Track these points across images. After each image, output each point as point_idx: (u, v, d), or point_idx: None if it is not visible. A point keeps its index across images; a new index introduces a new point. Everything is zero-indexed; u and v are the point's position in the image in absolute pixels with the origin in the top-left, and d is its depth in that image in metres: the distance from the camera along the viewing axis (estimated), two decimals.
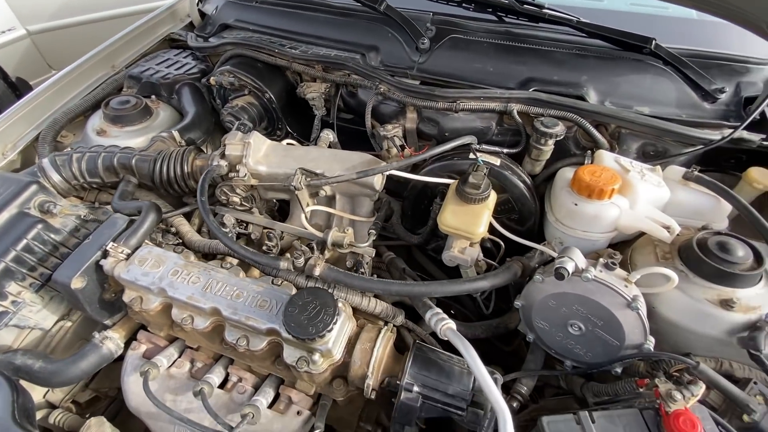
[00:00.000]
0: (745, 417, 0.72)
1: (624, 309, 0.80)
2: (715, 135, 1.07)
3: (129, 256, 0.97)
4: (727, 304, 0.81)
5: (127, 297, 0.95)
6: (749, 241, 0.87)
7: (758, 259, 0.84)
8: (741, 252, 0.84)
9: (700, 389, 0.70)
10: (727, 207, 1.00)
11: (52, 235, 1.07)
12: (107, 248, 0.96)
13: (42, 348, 1.08)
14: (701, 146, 1.08)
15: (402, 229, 1.30)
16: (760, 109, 1.06)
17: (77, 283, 0.94)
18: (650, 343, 0.81)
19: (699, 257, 0.86)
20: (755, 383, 0.76)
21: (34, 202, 1.08)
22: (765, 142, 1.09)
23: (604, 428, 0.68)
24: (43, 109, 1.35)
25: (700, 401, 0.73)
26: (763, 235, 0.89)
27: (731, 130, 1.05)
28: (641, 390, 0.77)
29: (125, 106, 1.32)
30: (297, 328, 0.77)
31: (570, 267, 0.83)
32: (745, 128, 1.13)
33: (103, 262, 0.95)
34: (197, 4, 1.72)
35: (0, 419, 0.74)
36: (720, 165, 1.21)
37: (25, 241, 1.02)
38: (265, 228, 1.19)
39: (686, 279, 0.87)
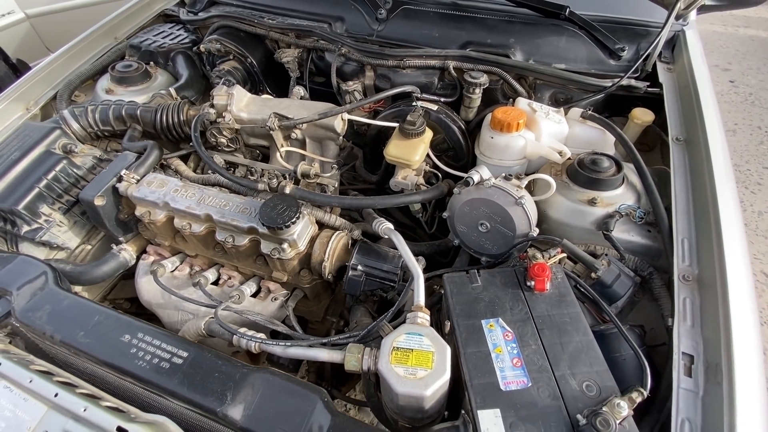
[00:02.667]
0: (593, 274, 0.99)
1: (514, 206, 1.07)
2: (607, 83, 1.33)
3: (138, 181, 1.22)
4: (592, 201, 1.08)
5: (138, 212, 1.21)
6: (615, 158, 1.14)
7: (618, 168, 1.11)
8: (606, 164, 1.11)
9: (556, 252, 0.98)
10: (611, 137, 1.26)
11: (75, 170, 1.32)
12: (122, 174, 1.21)
13: None
14: (596, 92, 1.34)
15: (364, 171, 1.56)
16: (640, 62, 1.32)
17: (99, 201, 1.19)
18: (534, 232, 1.08)
19: (577, 170, 1.13)
20: (606, 254, 1.04)
21: (58, 143, 1.33)
22: (650, 89, 1.35)
23: (486, 279, 0.95)
24: (58, 73, 1.59)
25: (566, 273, 1.00)
26: (627, 153, 1.15)
27: (618, 79, 1.31)
28: (521, 261, 1.04)
29: (129, 69, 1.56)
30: (269, 219, 1.03)
31: (476, 177, 1.09)
32: (642, 79, 1.40)
33: (118, 185, 1.21)
34: None
35: (49, 286, 1.00)
36: (623, 111, 1.47)
37: (53, 173, 1.27)
38: (247, 167, 1.45)
39: (567, 187, 1.14)
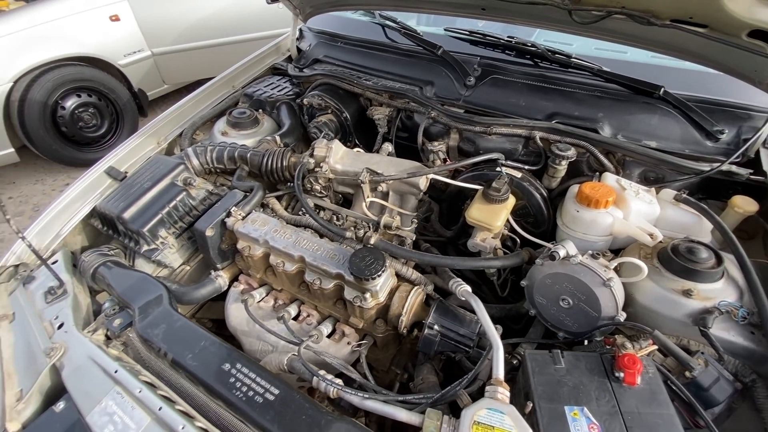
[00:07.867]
0: (687, 373, 0.93)
1: (601, 287, 1.05)
2: (705, 167, 1.29)
3: (244, 217, 1.38)
4: (687, 293, 1.03)
5: (240, 245, 1.35)
6: (715, 249, 1.09)
7: (719, 261, 1.06)
8: (704, 255, 1.07)
9: (648, 343, 0.94)
10: (708, 224, 1.21)
11: (190, 201, 1.52)
12: (231, 210, 1.38)
13: None
14: (692, 175, 1.30)
15: (439, 225, 1.62)
16: (744, 149, 1.27)
17: (209, 232, 1.36)
18: (621, 316, 1.05)
19: (670, 257, 1.09)
20: (702, 353, 0.97)
21: (180, 177, 1.55)
22: (753, 176, 1.29)
23: (569, 362, 0.93)
24: (185, 115, 1.87)
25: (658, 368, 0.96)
26: (729, 245, 1.10)
27: (719, 164, 1.27)
28: (607, 347, 1.01)
29: (242, 116, 1.79)
30: (357, 270, 1.11)
31: (561, 252, 1.10)
32: (742, 165, 1.34)
33: (227, 219, 1.37)
34: (296, 42, 2.21)
35: (164, 305, 1.14)
36: (720, 195, 1.40)
37: (174, 202, 1.48)
38: (333, 212, 1.57)
39: (659, 273, 1.10)
